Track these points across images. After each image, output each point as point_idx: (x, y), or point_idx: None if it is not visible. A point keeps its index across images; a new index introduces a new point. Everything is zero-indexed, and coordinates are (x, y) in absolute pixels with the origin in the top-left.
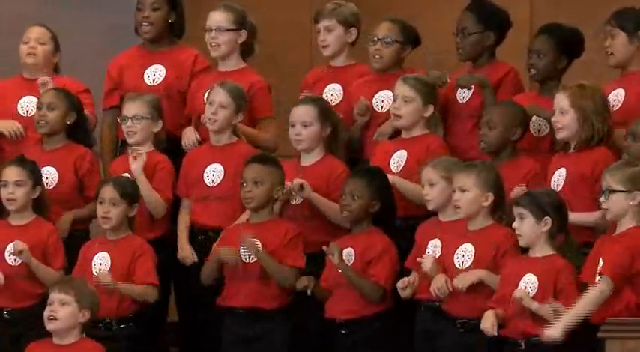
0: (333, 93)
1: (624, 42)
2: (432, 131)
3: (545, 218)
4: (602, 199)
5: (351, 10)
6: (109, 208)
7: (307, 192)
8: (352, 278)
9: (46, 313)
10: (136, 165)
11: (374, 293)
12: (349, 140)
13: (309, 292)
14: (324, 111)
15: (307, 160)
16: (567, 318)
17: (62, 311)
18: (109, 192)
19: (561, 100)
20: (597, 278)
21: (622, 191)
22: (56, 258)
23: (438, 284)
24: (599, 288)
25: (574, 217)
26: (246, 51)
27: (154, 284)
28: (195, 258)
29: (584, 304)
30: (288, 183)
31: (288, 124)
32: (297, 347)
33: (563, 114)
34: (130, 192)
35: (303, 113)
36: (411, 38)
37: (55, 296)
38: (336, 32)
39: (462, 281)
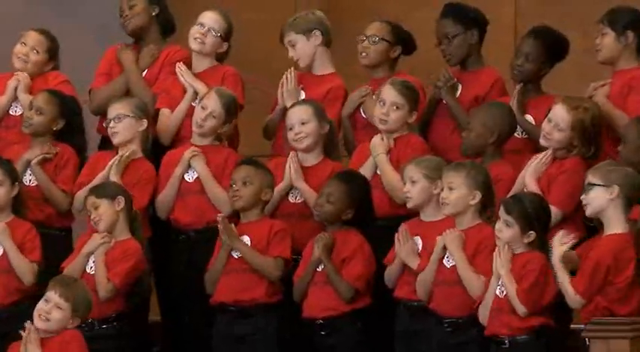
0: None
1: (612, 41)
2: (410, 131)
3: (530, 232)
4: (583, 196)
5: (313, 17)
6: (94, 214)
7: (296, 178)
8: (330, 273)
9: (40, 308)
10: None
11: (345, 292)
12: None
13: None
14: (319, 109)
15: (307, 161)
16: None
17: (56, 315)
18: (89, 200)
19: (562, 116)
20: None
21: (600, 185)
22: (31, 253)
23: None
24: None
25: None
26: (219, 58)
27: (115, 284)
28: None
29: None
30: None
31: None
32: (290, 344)
33: (559, 131)
34: (106, 191)
35: (300, 113)
36: (400, 39)
37: (53, 297)
38: (299, 44)
39: (450, 238)
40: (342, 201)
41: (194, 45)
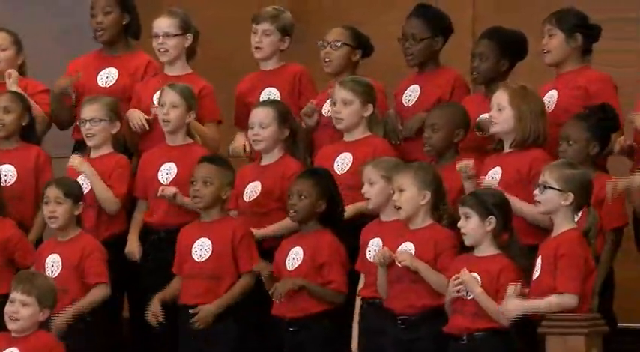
0: (269, 96)
1: (562, 42)
2: (373, 132)
3: (490, 217)
4: (536, 192)
5: (289, 19)
6: (54, 207)
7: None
8: (315, 292)
9: (7, 311)
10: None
11: (336, 298)
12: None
13: (263, 278)
14: (283, 114)
15: (266, 160)
16: (528, 308)
17: (24, 312)
18: (53, 191)
19: (500, 97)
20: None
21: (556, 189)
22: (27, 256)
23: (380, 255)
24: (564, 304)
25: (522, 205)
26: (189, 54)
27: (104, 282)
28: (139, 256)
29: (544, 305)
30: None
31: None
32: (247, 344)
33: (501, 111)
34: (73, 191)
35: (261, 115)
36: (361, 43)
37: (17, 296)
38: (272, 38)
39: (404, 257)
40: (313, 194)
41: (161, 58)
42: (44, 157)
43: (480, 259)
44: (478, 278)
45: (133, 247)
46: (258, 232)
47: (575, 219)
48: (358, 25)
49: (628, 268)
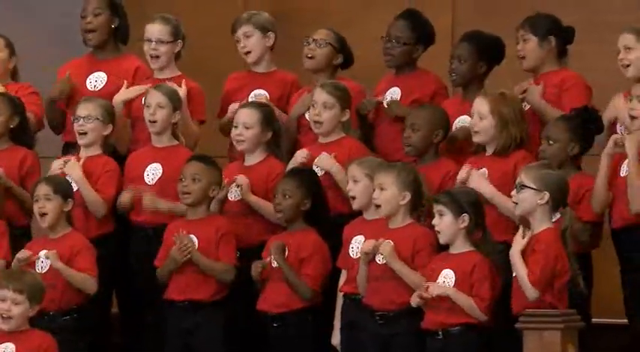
0: (258, 97)
1: (535, 46)
2: (346, 133)
3: (463, 215)
4: (513, 193)
5: (266, 16)
6: (44, 204)
7: (245, 192)
8: (288, 275)
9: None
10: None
11: (305, 293)
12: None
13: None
14: (267, 116)
15: (250, 161)
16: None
17: (15, 310)
18: (42, 188)
19: (481, 106)
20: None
21: (532, 188)
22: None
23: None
24: (524, 286)
25: (499, 199)
26: (175, 58)
27: (92, 275)
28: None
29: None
30: (227, 180)
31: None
32: (233, 338)
33: (482, 120)
34: (62, 188)
35: (246, 115)
36: (344, 48)
37: (8, 294)
38: (255, 37)
39: (384, 249)
40: (298, 193)
41: (153, 64)
42: (32, 159)
43: (455, 256)
44: (452, 274)
45: (126, 198)
46: (253, 198)
47: (553, 220)
48: (342, 26)
49: (605, 263)
